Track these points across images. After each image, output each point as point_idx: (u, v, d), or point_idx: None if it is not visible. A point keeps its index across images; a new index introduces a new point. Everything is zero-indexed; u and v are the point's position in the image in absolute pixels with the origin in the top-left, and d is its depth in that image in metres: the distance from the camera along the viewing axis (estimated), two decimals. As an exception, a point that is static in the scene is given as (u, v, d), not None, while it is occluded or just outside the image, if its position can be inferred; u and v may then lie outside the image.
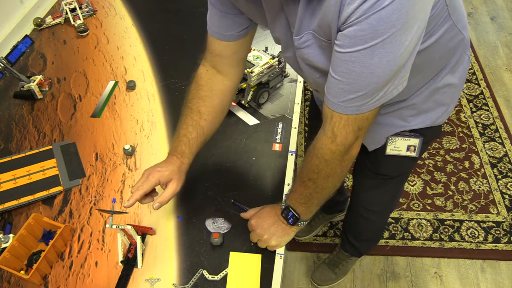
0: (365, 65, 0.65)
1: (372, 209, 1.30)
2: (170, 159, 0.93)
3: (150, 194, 0.92)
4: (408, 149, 1.01)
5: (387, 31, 0.60)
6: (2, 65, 1.34)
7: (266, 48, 1.33)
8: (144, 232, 0.98)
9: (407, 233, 1.83)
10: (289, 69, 1.35)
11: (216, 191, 1.07)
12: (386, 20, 0.59)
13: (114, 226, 0.89)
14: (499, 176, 2.02)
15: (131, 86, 1.35)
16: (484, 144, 2.16)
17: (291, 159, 1.12)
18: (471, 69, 2.56)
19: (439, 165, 2.07)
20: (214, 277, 0.91)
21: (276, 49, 1.40)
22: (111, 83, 1.38)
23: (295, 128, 1.20)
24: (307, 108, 2.36)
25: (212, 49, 0.93)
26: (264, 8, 0.79)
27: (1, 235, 0.96)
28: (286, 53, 0.87)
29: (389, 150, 1.02)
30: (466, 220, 1.87)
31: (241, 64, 0.98)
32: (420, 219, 1.88)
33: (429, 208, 1.91)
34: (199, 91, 0.96)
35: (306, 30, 0.72)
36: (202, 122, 0.95)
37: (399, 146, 1.01)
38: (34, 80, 1.33)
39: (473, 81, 2.49)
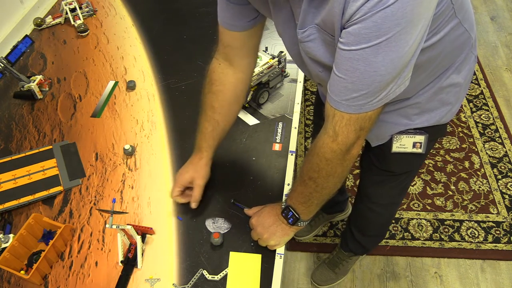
0: (369, 64, 0.65)
1: (380, 202, 1.30)
2: (191, 158, 1.05)
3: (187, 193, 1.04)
4: (414, 146, 1.01)
5: (392, 30, 0.60)
6: (2, 65, 1.34)
7: (266, 48, 1.33)
8: (144, 232, 0.99)
9: (407, 233, 1.83)
10: (289, 69, 1.35)
11: (216, 191, 1.07)
12: (391, 18, 0.59)
13: (114, 226, 0.89)
14: (499, 176, 2.02)
15: (131, 86, 1.35)
16: (484, 144, 2.16)
17: (291, 159, 1.12)
18: (471, 69, 2.56)
19: (439, 165, 2.07)
20: (214, 277, 0.91)
21: (276, 49, 1.40)
22: (111, 83, 1.38)
23: (295, 128, 1.20)
24: (307, 108, 2.36)
25: (223, 40, 0.95)
26: (270, 5, 0.79)
27: (1, 235, 0.96)
28: (289, 46, 0.87)
29: (395, 148, 1.02)
30: (466, 220, 1.87)
31: (253, 54, 0.99)
32: (420, 219, 1.88)
33: (429, 208, 1.91)
34: (212, 86, 0.99)
35: (310, 24, 0.71)
36: (216, 116, 1.00)
37: (405, 144, 1.00)
38: (34, 80, 1.33)
39: (473, 81, 2.49)
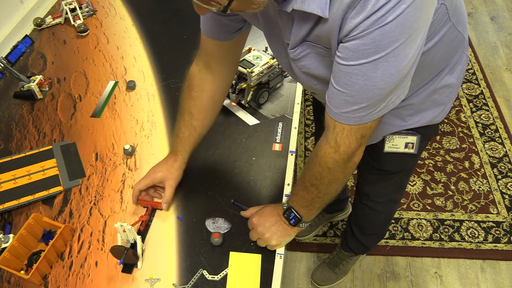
0: (368, 78, 0.65)
1: (378, 200, 1.30)
2: (165, 158, 1.03)
3: (151, 193, 1.04)
4: (406, 146, 1.01)
5: (390, 46, 0.60)
6: (2, 65, 1.34)
7: (266, 48, 1.33)
8: (154, 207, 1.02)
9: (407, 233, 1.83)
10: (289, 69, 1.35)
11: (216, 191, 1.07)
12: (389, 35, 0.59)
13: (119, 223, 0.90)
14: (499, 176, 2.02)
15: (131, 86, 1.35)
16: (484, 144, 2.16)
17: (291, 159, 1.12)
18: (471, 69, 2.56)
19: (439, 165, 2.07)
20: (214, 277, 0.91)
21: (276, 49, 1.40)
22: (111, 83, 1.38)
23: (295, 128, 1.20)
24: (307, 108, 2.36)
25: (206, 48, 0.94)
26: (259, 18, 0.78)
27: (1, 235, 0.96)
28: (280, 61, 0.87)
29: (387, 148, 1.02)
30: (466, 220, 1.87)
31: (235, 63, 0.99)
32: (420, 219, 1.88)
33: (429, 208, 1.91)
34: (191, 91, 0.99)
35: (301, 42, 0.72)
36: (194, 121, 0.99)
37: (397, 144, 1.01)
38: (34, 80, 1.33)
39: (473, 81, 2.49)
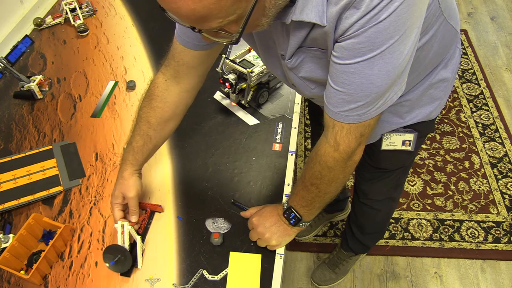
0: (364, 76, 0.65)
1: (375, 198, 1.30)
2: (119, 173, 0.99)
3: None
4: (403, 144, 1.02)
5: (385, 43, 0.61)
6: (2, 65, 1.34)
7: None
8: (153, 210, 1.01)
9: (407, 233, 1.83)
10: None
11: (216, 191, 1.07)
12: (383, 32, 0.60)
13: (119, 223, 0.91)
14: (499, 176, 2.02)
15: (131, 86, 1.35)
16: (484, 144, 2.16)
17: (291, 159, 1.12)
18: (470, 69, 2.56)
19: (439, 165, 2.07)
20: (214, 277, 0.91)
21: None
22: (111, 83, 1.38)
23: (295, 128, 1.20)
24: (307, 108, 2.36)
25: (179, 58, 0.90)
26: (253, 33, 0.79)
27: (1, 235, 0.96)
28: (275, 73, 0.87)
29: (385, 145, 1.03)
30: (466, 220, 1.87)
31: (204, 75, 0.96)
32: (420, 219, 1.88)
33: (429, 208, 1.91)
34: (151, 101, 0.95)
35: (296, 49, 0.72)
36: (151, 132, 0.95)
37: (394, 141, 1.02)
38: (34, 80, 1.33)
39: (473, 81, 2.49)
